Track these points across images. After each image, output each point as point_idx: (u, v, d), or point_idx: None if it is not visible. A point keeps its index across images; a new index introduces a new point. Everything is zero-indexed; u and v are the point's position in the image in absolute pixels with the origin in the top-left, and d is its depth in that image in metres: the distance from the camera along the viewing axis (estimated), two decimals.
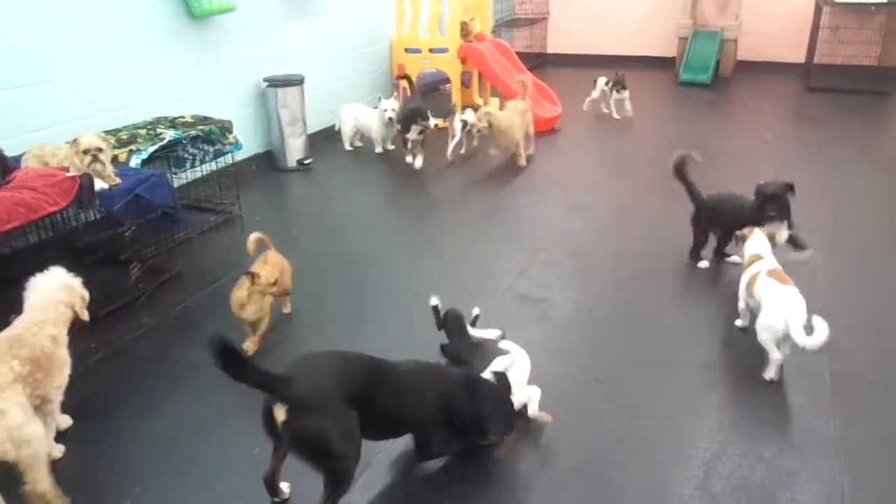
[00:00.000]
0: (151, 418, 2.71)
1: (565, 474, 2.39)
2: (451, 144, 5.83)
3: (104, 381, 2.94)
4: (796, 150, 5.95)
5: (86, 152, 3.30)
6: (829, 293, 3.52)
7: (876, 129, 6.71)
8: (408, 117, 5.57)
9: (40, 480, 2.12)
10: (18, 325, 2.35)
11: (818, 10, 8.11)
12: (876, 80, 7.73)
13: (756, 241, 3.24)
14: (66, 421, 2.60)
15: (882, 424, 2.61)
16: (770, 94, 8.00)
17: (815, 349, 2.57)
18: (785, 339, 2.75)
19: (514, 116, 5.61)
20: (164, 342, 3.23)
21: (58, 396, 2.42)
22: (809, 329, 2.59)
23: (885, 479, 2.35)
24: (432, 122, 5.51)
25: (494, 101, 7.37)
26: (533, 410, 2.57)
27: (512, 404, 2.43)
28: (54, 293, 2.46)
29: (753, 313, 3.03)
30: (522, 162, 5.64)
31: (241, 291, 3.03)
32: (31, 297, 2.44)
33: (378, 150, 6.02)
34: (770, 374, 2.81)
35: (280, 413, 1.95)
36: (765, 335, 2.83)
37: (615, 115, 6.98)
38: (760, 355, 2.99)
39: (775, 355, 2.80)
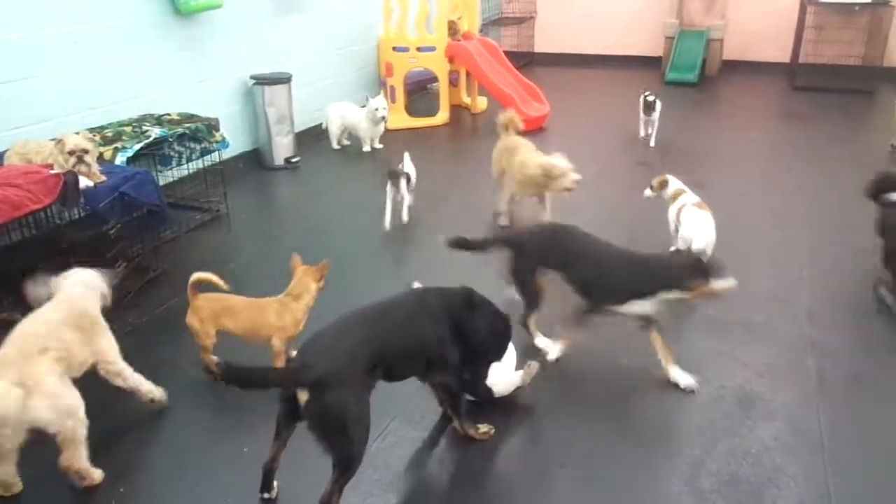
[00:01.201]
0: (135, 418, 2.68)
1: (555, 473, 2.39)
2: (388, 209, 4.30)
3: (87, 381, 2.89)
4: (783, 149, 5.99)
5: (71, 153, 3.27)
6: (815, 289, 3.55)
7: (861, 127, 6.77)
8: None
9: (79, 454, 2.19)
10: (63, 305, 2.39)
11: (803, 10, 8.17)
12: (860, 80, 7.80)
13: (675, 181, 3.88)
14: (162, 393, 2.69)
15: (867, 420, 2.63)
16: (756, 94, 8.06)
17: (701, 250, 3.34)
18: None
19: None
20: (149, 342, 3.20)
21: (118, 360, 2.51)
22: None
23: (870, 474, 2.37)
24: None
25: (482, 100, 7.40)
26: (518, 374, 2.67)
27: (510, 330, 2.52)
28: (86, 291, 2.50)
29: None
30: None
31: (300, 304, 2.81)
32: (66, 288, 2.46)
33: (366, 148, 6.00)
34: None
35: (303, 395, 2.01)
36: (680, 243, 3.64)
37: (650, 143, 6.04)
38: (749, 349, 3.02)
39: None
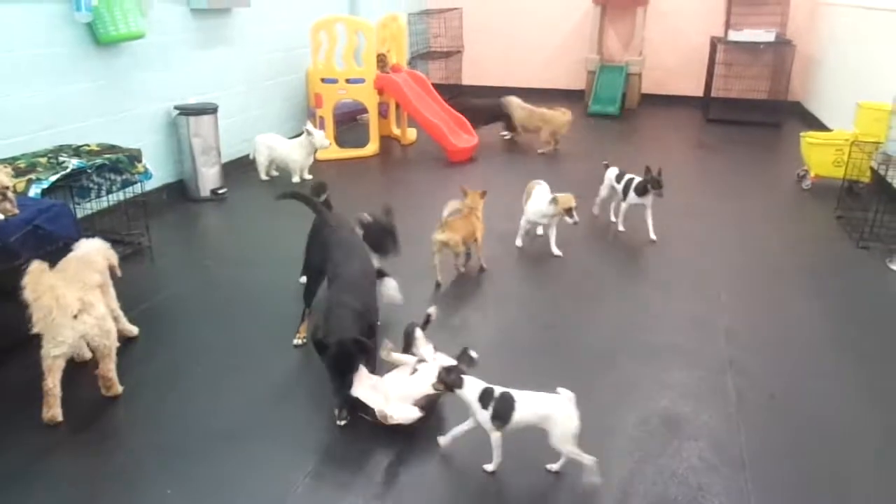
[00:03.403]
0: (48, 462, 2.54)
1: (485, 500, 2.39)
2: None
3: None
4: (697, 178, 6.29)
5: None
6: (731, 312, 3.72)
7: (769, 157, 7.19)
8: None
9: (111, 367, 2.86)
10: (83, 251, 3.05)
11: (713, 48, 8.67)
12: (767, 113, 8.30)
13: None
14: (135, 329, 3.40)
15: (783, 435, 2.75)
16: (673, 125, 8.44)
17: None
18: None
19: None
20: (65, 382, 3.03)
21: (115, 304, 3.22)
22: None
23: (789, 488, 2.47)
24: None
25: (412, 132, 7.47)
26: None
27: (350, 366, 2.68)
28: (96, 251, 3.10)
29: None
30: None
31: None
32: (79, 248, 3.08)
33: (295, 179, 5.95)
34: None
35: None
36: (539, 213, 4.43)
37: (620, 226, 4.87)
38: (672, 372, 3.12)
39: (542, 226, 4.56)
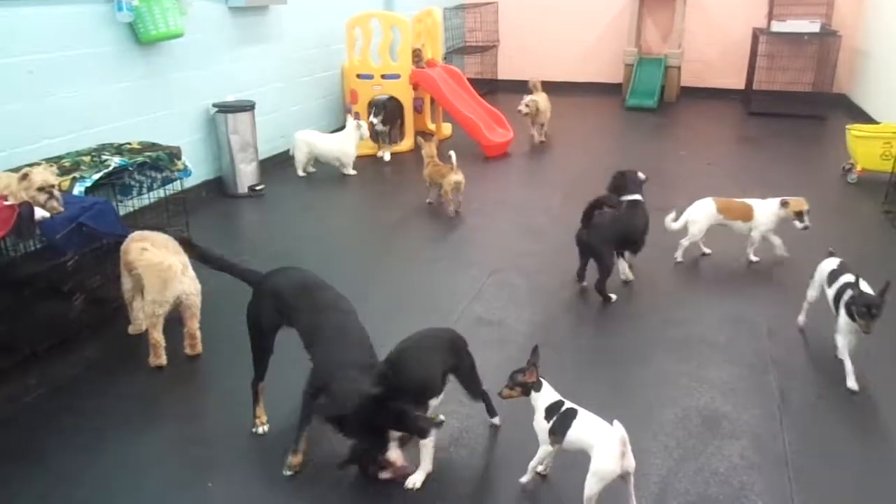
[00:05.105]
0: (93, 456, 2.60)
1: (523, 497, 2.38)
2: None
3: (42, 419, 2.82)
4: (739, 171, 6.15)
5: (41, 189, 3.21)
6: (774, 309, 3.63)
7: (814, 150, 6.99)
8: None
9: (196, 326, 3.23)
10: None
11: (755, 40, 8.46)
12: (811, 105, 8.07)
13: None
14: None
15: (829, 436, 2.68)
16: (713, 119, 8.27)
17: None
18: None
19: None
20: (109, 376, 3.12)
21: None
22: None
23: (834, 489, 2.41)
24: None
25: (447, 127, 7.46)
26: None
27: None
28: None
29: None
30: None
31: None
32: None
33: (350, 172, 6.04)
34: None
35: None
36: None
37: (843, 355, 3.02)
38: (713, 369, 3.06)
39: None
